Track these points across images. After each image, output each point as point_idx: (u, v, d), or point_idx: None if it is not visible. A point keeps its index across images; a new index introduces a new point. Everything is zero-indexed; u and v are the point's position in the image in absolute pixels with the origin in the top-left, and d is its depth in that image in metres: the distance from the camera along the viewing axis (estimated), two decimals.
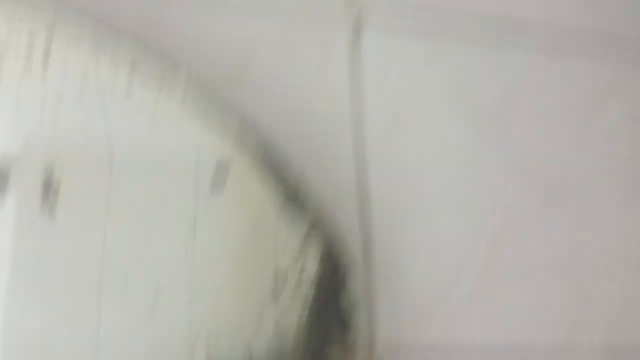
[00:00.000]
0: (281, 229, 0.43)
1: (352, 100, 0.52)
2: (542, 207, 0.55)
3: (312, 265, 0.43)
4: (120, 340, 0.38)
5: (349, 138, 0.52)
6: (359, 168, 0.51)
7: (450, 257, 0.50)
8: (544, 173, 0.57)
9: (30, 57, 0.41)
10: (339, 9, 0.55)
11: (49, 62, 0.41)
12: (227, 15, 0.51)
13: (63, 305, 0.38)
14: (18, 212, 0.38)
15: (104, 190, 0.40)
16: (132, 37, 0.43)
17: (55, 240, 0.38)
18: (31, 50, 0.41)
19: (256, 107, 0.47)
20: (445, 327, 0.48)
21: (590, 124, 0.60)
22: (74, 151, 0.40)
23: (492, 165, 0.55)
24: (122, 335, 0.38)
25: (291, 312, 0.41)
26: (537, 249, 0.54)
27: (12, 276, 0.37)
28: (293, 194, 0.44)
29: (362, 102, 0.53)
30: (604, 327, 0.53)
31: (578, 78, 0.61)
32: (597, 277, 0.54)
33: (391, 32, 0.56)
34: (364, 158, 0.51)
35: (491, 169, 0.55)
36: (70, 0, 0.43)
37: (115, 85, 0.42)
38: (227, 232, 0.42)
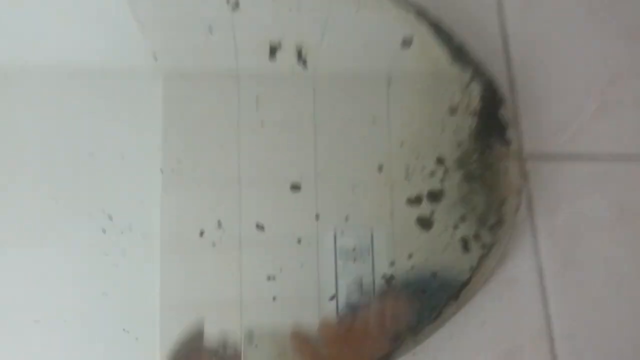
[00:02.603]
0: (452, 76, 0.63)
1: None
2: None
3: (475, 97, 0.63)
4: None
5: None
6: (501, 23, 0.69)
7: (578, 88, 0.67)
8: None
9: None
10: None
11: None
12: None
13: None
14: None
15: None
16: None
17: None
18: None
19: None
20: (576, 139, 0.66)
21: None
22: None
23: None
24: None
25: (464, 124, 0.62)
26: None
27: None
28: (458, 52, 0.63)
29: None
30: None
31: None
32: None
33: None
34: (504, 21, 0.69)
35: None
36: None
37: None
38: (415, 80, 0.64)
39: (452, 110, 0.63)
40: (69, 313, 0.51)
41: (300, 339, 0.53)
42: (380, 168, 0.60)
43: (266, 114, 0.59)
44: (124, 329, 0.52)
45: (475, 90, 0.63)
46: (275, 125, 0.59)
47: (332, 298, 0.56)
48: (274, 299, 0.55)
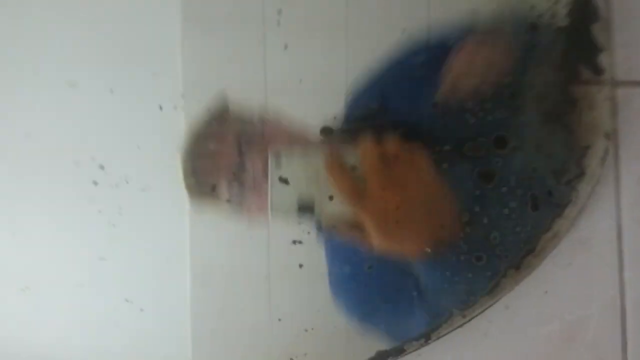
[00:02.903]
0: None
1: None
2: None
3: (562, 9, 0.48)
4: None
5: None
6: None
7: None
8: None
9: None
10: None
11: None
12: None
13: None
14: None
15: None
16: None
17: None
18: None
19: None
20: None
21: None
22: None
23: None
24: None
25: (545, 44, 0.48)
26: None
27: None
28: None
29: None
30: None
31: None
32: None
33: None
34: None
35: None
36: None
37: None
38: None
39: (532, 27, 0.48)
40: (62, 279, 0.44)
41: (336, 167, 0.46)
42: None
43: None
44: (126, 300, 0.45)
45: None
46: None
47: None
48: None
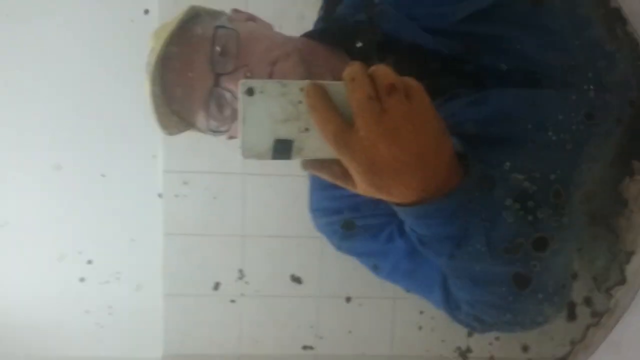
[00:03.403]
0: None
1: None
2: None
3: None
4: None
5: None
6: None
7: None
8: None
9: None
10: None
11: None
12: None
13: None
14: None
15: None
16: None
17: None
18: None
19: None
20: None
21: None
22: None
23: None
24: None
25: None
26: None
27: None
28: None
29: None
30: None
31: None
32: None
33: None
34: None
35: None
36: None
37: None
38: None
39: (589, 116, 0.43)
40: None
41: (318, 101, 0.36)
42: None
43: None
44: None
45: None
46: None
47: None
48: None
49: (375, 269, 0.54)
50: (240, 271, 1.14)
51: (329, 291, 1.13)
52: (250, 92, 0.35)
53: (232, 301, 1.15)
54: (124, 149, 1.14)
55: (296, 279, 1.12)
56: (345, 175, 0.37)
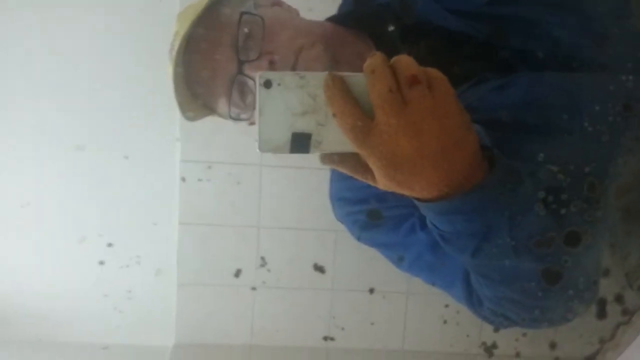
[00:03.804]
0: None
1: None
2: None
3: None
4: None
5: None
6: None
7: None
8: None
9: None
10: None
11: None
12: None
13: None
14: None
15: None
16: None
17: None
18: None
19: None
20: None
21: None
22: None
23: None
24: None
25: None
26: None
27: None
28: None
29: None
30: None
31: None
32: None
33: None
34: None
35: None
36: None
37: None
38: None
39: (626, 107, 0.42)
40: None
41: (338, 93, 0.34)
42: None
43: None
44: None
45: None
46: None
47: None
48: None
49: (397, 260, 0.54)
50: (263, 259, 1.13)
51: (348, 283, 1.12)
52: (267, 84, 0.35)
53: (253, 289, 1.15)
54: (148, 131, 1.14)
55: (319, 268, 1.11)
56: (365, 169, 0.36)
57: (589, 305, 0.42)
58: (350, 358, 1.12)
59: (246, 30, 0.49)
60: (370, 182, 0.37)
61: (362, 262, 1.07)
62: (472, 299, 0.47)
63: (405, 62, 0.34)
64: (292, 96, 0.35)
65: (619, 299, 0.43)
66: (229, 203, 1.14)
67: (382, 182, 0.36)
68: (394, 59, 0.34)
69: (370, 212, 0.52)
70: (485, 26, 0.47)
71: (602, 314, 0.42)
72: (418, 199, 0.38)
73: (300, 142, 0.35)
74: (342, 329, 1.07)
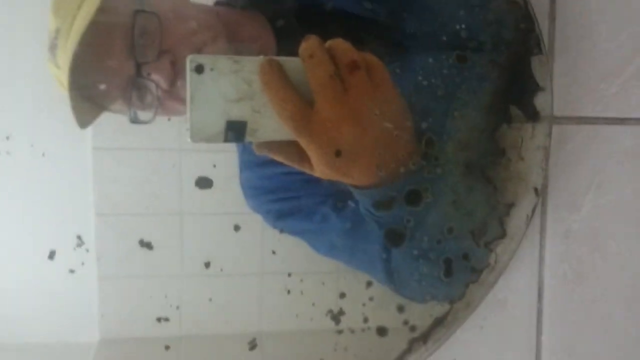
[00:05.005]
0: None
1: None
2: None
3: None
4: None
5: None
6: None
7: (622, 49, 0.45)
8: None
9: None
10: None
11: None
12: None
13: None
14: None
15: None
16: None
17: None
18: None
19: None
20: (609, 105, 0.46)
21: None
22: None
23: None
24: None
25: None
26: None
27: None
28: None
29: None
30: None
31: None
32: None
33: None
34: None
35: None
36: None
37: None
38: None
39: (460, 58, 0.41)
40: None
41: (275, 80, 0.33)
42: None
43: None
44: None
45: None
46: None
47: None
48: None
49: (317, 246, 0.52)
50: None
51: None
52: (199, 69, 0.33)
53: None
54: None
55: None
56: (302, 157, 0.35)
57: (435, 266, 0.41)
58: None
59: (141, 30, 0.45)
60: (307, 170, 0.36)
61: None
62: (393, 278, 0.45)
63: (343, 47, 0.34)
64: (225, 82, 0.33)
65: (465, 257, 0.42)
66: (147, 191, 1.09)
67: (320, 170, 0.35)
68: (329, 43, 0.34)
69: (282, 201, 0.50)
70: (381, 8, 0.46)
71: (448, 272, 0.41)
72: (355, 186, 0.37)
73: (235, 131, 0.34)
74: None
